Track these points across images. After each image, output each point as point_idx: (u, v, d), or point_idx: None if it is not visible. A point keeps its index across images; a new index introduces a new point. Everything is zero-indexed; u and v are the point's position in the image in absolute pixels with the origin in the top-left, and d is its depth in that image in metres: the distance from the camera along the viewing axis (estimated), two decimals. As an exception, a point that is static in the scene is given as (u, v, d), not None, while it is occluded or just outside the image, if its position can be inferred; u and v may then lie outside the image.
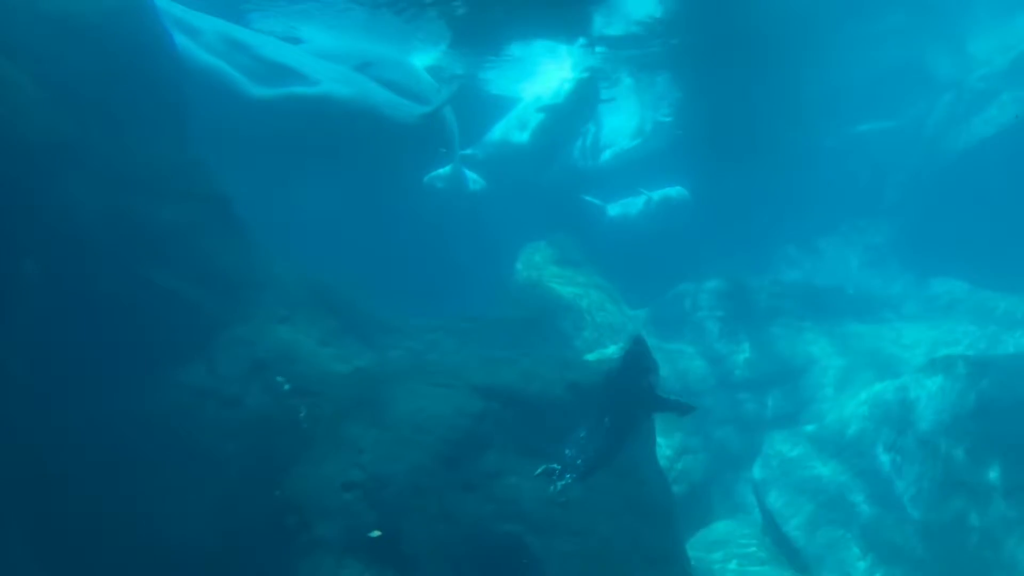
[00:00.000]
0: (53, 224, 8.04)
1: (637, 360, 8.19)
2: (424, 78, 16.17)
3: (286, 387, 9.35)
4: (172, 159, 9.78)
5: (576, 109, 17.10)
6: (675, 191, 18.64)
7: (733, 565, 11.37)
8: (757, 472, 12.51)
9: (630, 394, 8.15)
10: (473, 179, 16.10)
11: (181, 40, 11.70)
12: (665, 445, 12.26)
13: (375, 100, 14.23)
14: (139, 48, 9.55)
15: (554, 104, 16.91)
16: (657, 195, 18.45)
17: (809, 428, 12.78)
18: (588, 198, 18.12)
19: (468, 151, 16.82)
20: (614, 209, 18.36)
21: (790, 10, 15.05)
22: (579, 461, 7.93)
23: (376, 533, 8.07)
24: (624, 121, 19.69)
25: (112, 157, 8.77)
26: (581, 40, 16.05)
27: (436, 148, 15.46)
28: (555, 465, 8.12)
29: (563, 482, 8.00)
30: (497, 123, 17.52)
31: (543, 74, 17.49)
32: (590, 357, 13.00)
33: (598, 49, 16.45)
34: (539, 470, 8.15)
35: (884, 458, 11.53)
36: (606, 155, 19.40)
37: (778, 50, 16.52)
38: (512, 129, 17.33)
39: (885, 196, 18.94)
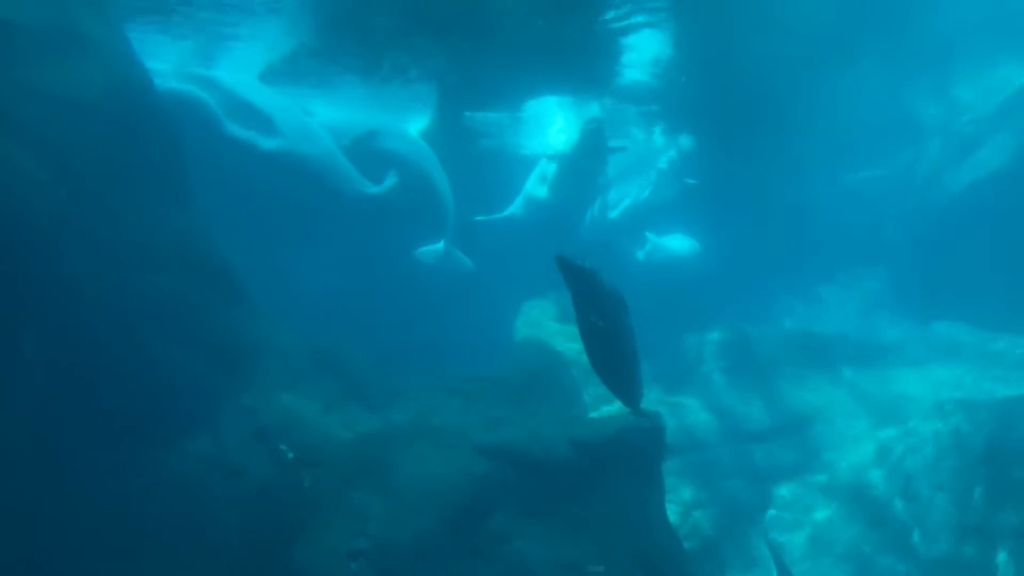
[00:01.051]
0: (54, 300, 8.07)
1: (569, 271, 7.63)
2: (419, 145, 16.44)
3: (290, 455, 9.30)
4: (173, 230, 9.83)
5: (585, 158, 17.43)
6: (685, 240, 18.90)
7: (750, 622, 11.17)
8: (769, 525, 12.35)
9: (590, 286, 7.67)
10: (463, 259, 16.36)
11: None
12: (675, 501, 12.11)
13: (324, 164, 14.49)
14: (138, 123, 9.66)
15: (564, 154, 17.26)
16: (667, 242, 18.72)
17: (819, 478, 12.67)
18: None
19: (508, 211, 17.60)
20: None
21: (778, 62, 15.35)
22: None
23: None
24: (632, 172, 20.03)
25: (112, 231, 8.84)
26: (587, 92, 16.43)
27: (427, 220, 15.66)
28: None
29: None
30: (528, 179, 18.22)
31: (557, 128, 17.98)
32: (595, 415, 12.91)
33: (605, 100, 16.79)
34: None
35: (896, 505, 11.42)
36: (622, 205, 19.71)
37: (771, 103, 16.83)
38: (535, 184, 17.89)
39: (881, 242, 19.07)
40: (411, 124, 16.84)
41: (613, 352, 7.84)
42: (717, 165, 19.23)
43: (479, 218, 17.36)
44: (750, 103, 16.85)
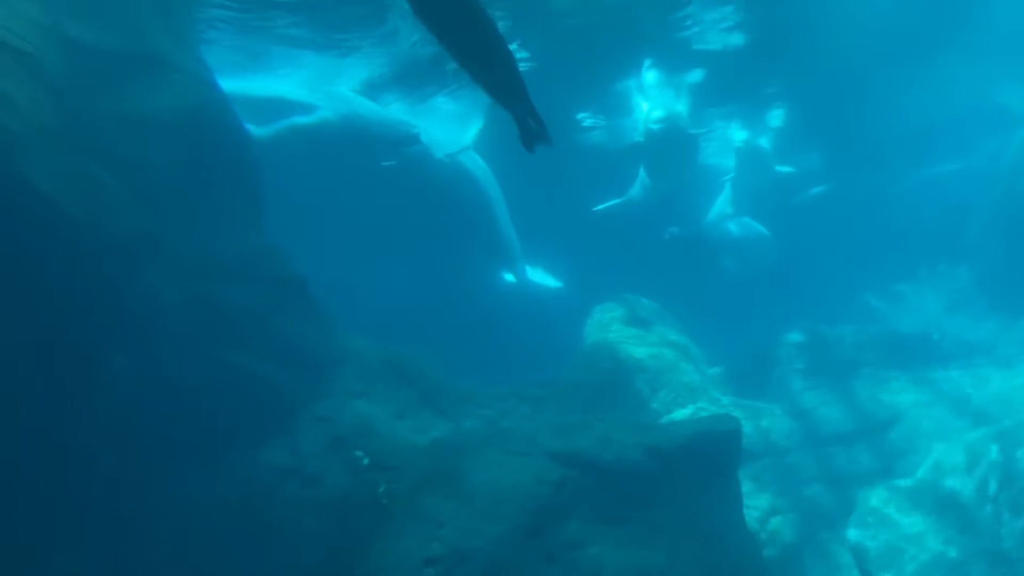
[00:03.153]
0: (137, 314, 8.40)
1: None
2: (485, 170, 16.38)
3: (365, 462, 9.45)
4: (249, 245, 10.17)
5: (668, 149, 16.89)
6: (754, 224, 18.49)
7: (833, 632, 10.87)
8: (852, 532, 11.98)
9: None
10: (544, 286, 16.34)
11: None
12: (753, 507, 11.87)
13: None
14: (215, 142, 10.01)
15: (645, 146, 16.87)
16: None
17: (905, 482, 12.23)
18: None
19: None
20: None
21: (861, 52, 14.97)
22: None
23: None
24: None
25: (191, 247, 9.18)
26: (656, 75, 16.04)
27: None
28: None
29: None
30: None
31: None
32: (666, 419, 12.78)
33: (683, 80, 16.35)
34: None
35: (987, 511, 10.97)
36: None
37: (853, 92, 16.42)
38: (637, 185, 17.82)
39: (964, 238, 18.41)
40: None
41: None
42: (798, 155, 18.83)
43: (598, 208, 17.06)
44: (831, 92, 16.46)
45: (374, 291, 13.85)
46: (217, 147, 9.99)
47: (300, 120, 14.08)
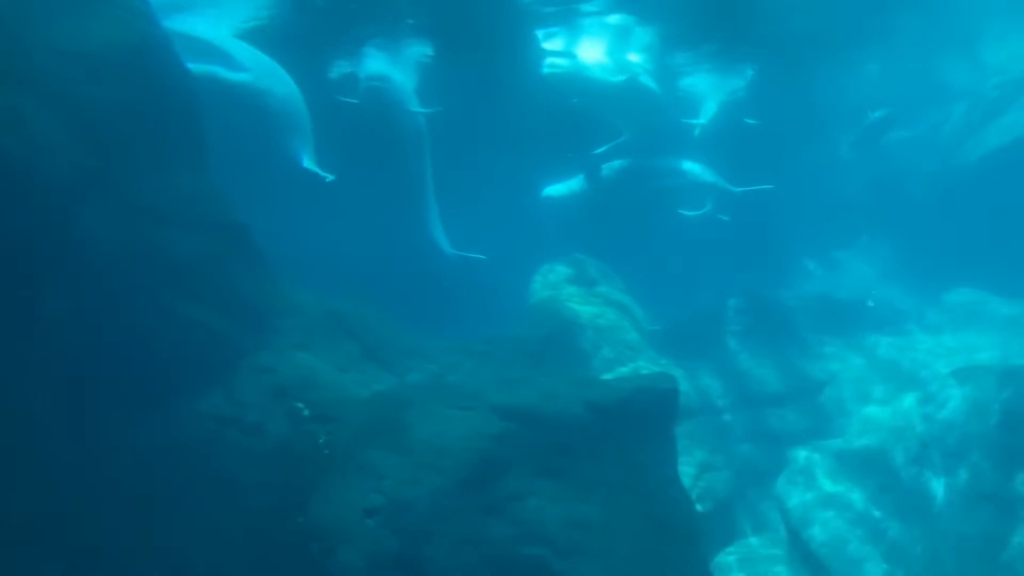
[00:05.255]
0: (75, 258, 8.16)
1: None
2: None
3: (306, 413, 9.40)
4: (192, 189, 9.89)
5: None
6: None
7: (759, 584, 11.27)
8: (781, 489, 12.40)
9: None
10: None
11: None
12: (687, 463, 12.18)
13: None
14: (157, 81, 9.66)
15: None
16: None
17: (833, 443, 12.68)
18: None
19: None
20: None
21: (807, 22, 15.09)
22: None
23: None
24: None
25: (132, 190, 8.89)
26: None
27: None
28: None
29: None
30: None
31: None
32: (608, 376, 12.97)
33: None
34: None
35: (910, 472, 11.42)
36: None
37: (797, 55, 16.54)
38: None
39: (902, 207, 18.86)
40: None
41: None
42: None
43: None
44: (777, 51, 16.55)
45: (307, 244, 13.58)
46: (159, 86, 9.62)
47: (222, 73, 13.32)
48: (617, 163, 17.94)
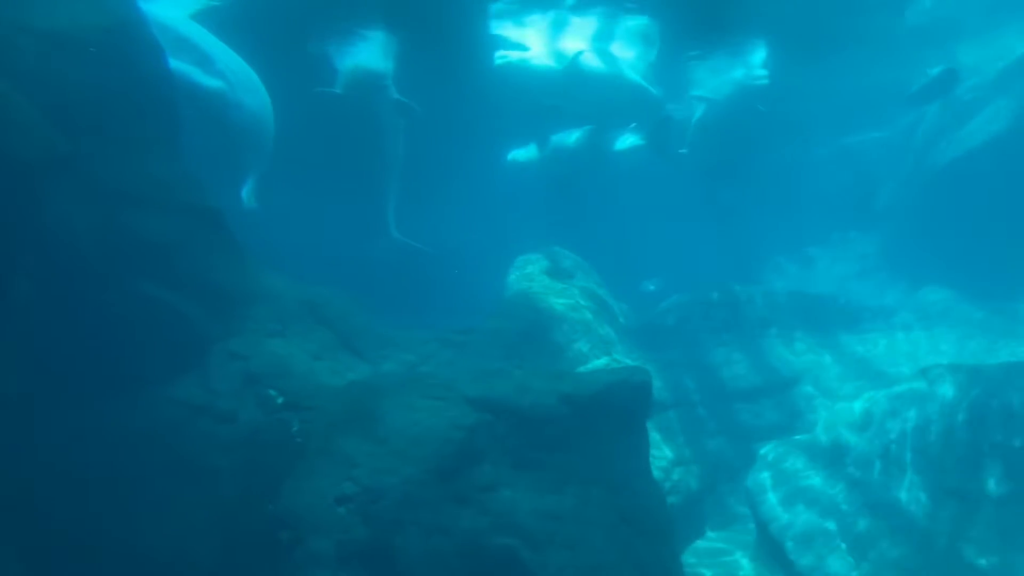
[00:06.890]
0: (45, 239, 8.05)
1: None
2: None
3: (279, 401, 9.36)
4: (164, 173, 9.78)
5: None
6: None
7: (727, 576, 11.36)
8: (751, 483, 12.51)
9: None
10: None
11: None
12: (659, 457, 12.26)
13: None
14: (132, 65, 9.55)
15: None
16: None
17: (803, 438, 12.80)
18: None
19: None
20: None
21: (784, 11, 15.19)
22: None
23: None
24: None
25: (105, 173, 8.79)
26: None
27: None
28: None
29: None
30: None
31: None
32: (583, 369, 13.01)
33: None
34: None
35: (877, 467, 11.54)
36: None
37: (772, 54, 16.65)
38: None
39: (875, 206, 19.07)
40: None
41: None
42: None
43: None
44: (756, 53, 16.68)
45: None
46: (135, 69, 9.52)
47: (198, 77, 12.93)
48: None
